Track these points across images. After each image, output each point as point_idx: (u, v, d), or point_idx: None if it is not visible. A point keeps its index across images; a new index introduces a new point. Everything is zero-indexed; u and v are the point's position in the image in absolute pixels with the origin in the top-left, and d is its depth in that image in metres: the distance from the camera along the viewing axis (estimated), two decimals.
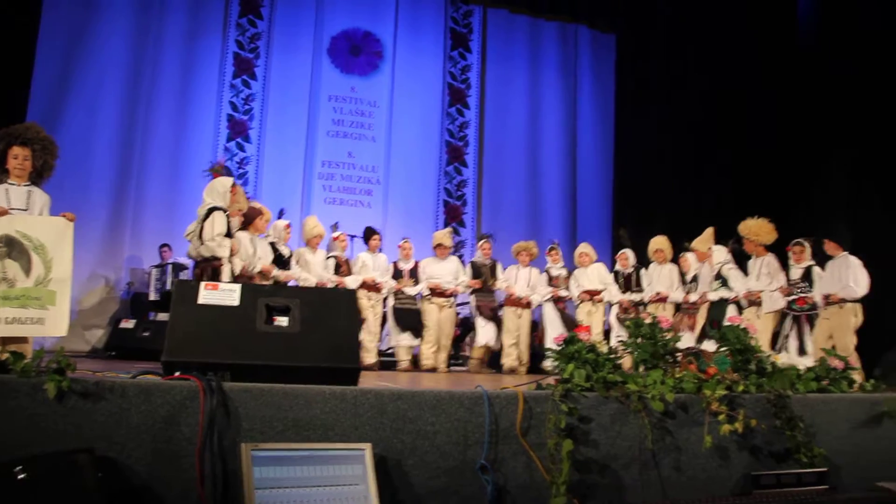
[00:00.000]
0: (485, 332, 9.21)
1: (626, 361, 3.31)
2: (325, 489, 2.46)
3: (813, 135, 11.10)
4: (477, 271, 9.35)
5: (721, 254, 8.54)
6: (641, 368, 3.20)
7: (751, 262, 8.35)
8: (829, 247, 7.72)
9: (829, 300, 7.52)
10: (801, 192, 11.17)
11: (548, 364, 8.99)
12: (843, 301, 7.40)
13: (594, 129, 13.33)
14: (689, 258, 9.11)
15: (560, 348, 3.13)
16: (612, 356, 3.10)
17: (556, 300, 9.32)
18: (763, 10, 12.25)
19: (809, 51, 11.59)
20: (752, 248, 8.29)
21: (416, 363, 9.15)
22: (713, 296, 8.43)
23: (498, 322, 9.31)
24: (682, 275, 9.22)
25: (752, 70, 12.20)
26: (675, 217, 12.02)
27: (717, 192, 12.44)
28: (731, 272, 8.42)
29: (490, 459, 2.79)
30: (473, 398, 2.83)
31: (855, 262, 7.48)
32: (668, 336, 3.27)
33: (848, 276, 7.41)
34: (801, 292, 7.83)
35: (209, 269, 6.36)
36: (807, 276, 7.86)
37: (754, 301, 8.20)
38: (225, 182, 6.60)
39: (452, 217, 12.43)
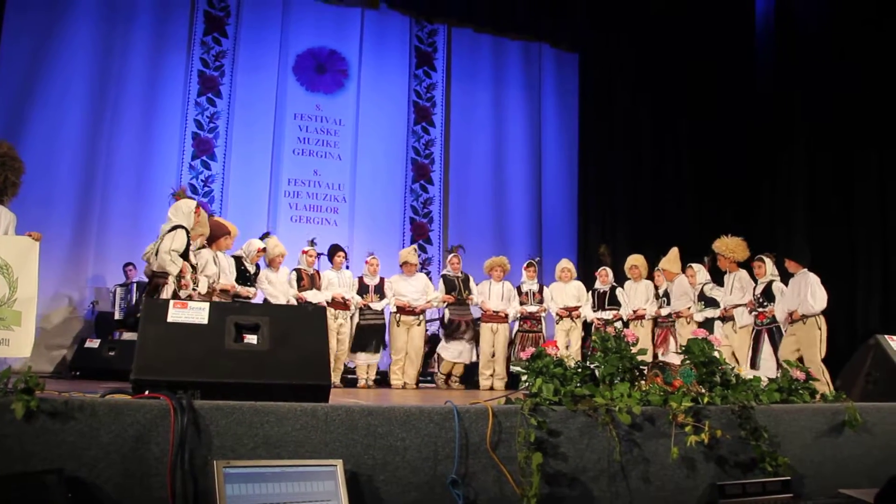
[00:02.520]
0: (452, 349, 9.23)
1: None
2: None
3: (775, 147, 11.29)
4: (450, 285, 9.38)
5: (703, 274, 8.77)
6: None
7: (725, 278, 8.55)
8: (790, 265, 7.88)
9: (791, 317, 7.67)
10: (763, 206, 11.36)
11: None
12: (804, 317, 7.56)
13: (558, 146, 13.45)
14: (661, 274, 9.27)
15: (528, 362, 3.17)
16: (580, 370, 3.14)
17: (525, 318, 9.37)
18: (723, 27, 12.48)
19: (768, 64, 11.81)
20: (725, 264, 8.50)
21: (383, 380, 9.16)
22: (698, 317, 8.61)
23: (474, 336, 9.35)
24: (657, 289, 9.36)
25: (713, 86, 12.41)
26: (639, 232, 12.21)
27: (681, 207, 12.64)
28: (715, 291, 8.63)
29: (460, 474, 2.81)
30: (443, 413, 2.85)
31: (813, 279, 7.62)
32: (635, 350, 3.32)
33: (806, 292, 7.54)
34: (759, 307, 8.00)
35: (153, 284, 6.37)
36: (766, 291, 8.03)
37: (729, 317, 8.36)
38: (190, 203, 6.67)
39: (419, 234, 12.46)
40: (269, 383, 2.95)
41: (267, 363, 3.00)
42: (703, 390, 3.26)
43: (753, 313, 8.11)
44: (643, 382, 3.26)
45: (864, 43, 9.94)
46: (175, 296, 6.30)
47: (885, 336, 4.23)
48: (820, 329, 7.51)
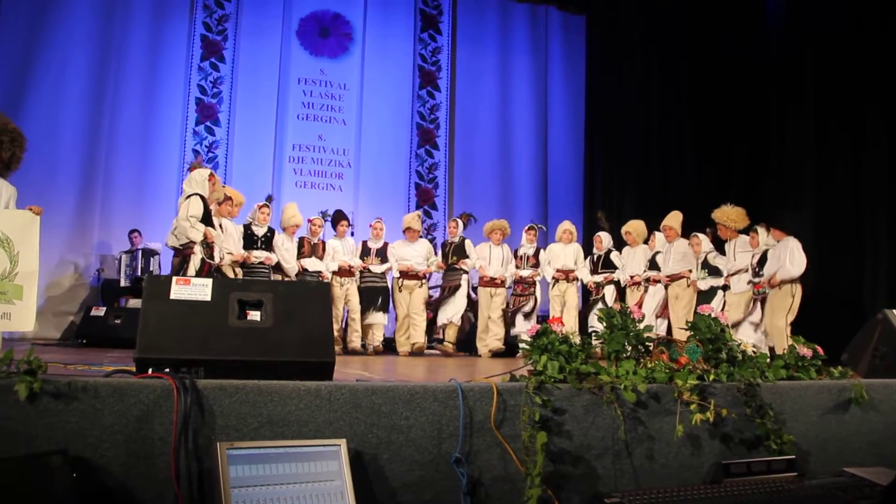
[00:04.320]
0: (444, 311, 9.24)
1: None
2: (301, 486, 2.46)
3: (783, 113, 11.16)
4: (443, 251, 9.41)
5: (706, 243, 8.87)
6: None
7: (726, 246, 8.67)
8: (775, 234, 8.06)
9: (770, 282, 7.86)
10: (767, 167, 11.25)
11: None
12: (783, 282, 7.73)
13: (565, 111, 13.36)
14: (657, 237, 9.39)
15: (532, 339, 3.15)
16: (585, 347, 3.12)
17: (517, 282, 9.39)
18: None
19: (777, 26, 11.62)
20: (726, 233, 8.62)
21: (389, 347, 9.18)
22: (702, 285, 8.68)
23: (468, 301, 9.33)
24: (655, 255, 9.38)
25: (721, 49, 12.25)
26: (645, 197, 12.16)
27: (687, 171, 12.56)
28: (718, 260, 8.73)
29: (464, 452, 2.80)
30: (447, 392, 2.84)
31: (794, 244, 7.77)
32: (640, 326, 3.30)
33: (786, 257, 7.69)
34: (755, 277, 8.18)
35: (181, 255, 6.42)
36: (762, 261, 8.17)
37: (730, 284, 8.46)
38: (203, 172, 6.73)
39: (424, 200, 12.42)
40: (273, 360, 2.94)
41: (270, 340, 2.98)
42: (709, 367, 3.24)
43: (750, 283, 8.25)
44: (648, 359, 3.24)
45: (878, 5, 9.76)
46: (203, 262, 6.36)
47: (894, 310, 4.19)
48: (793, 297, 7.71)
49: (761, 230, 8.32)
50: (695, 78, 12.66)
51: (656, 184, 12.48)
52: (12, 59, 10.02)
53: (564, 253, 9.57)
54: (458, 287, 9.30)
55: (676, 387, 3.06)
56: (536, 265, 9.46)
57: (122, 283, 9.90)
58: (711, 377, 3.18)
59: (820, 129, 10.28)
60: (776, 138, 11.10)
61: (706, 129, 12.43)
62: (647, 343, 3.32)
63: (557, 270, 9.41)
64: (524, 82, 13.25)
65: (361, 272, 9.01)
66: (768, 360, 3.52)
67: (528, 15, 13.42)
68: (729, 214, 8.53)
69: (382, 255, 9.12)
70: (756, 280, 8.16)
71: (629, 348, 3.26)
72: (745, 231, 8.54)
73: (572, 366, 3.01)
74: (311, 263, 8.62)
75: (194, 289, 3.04)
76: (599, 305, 9.03)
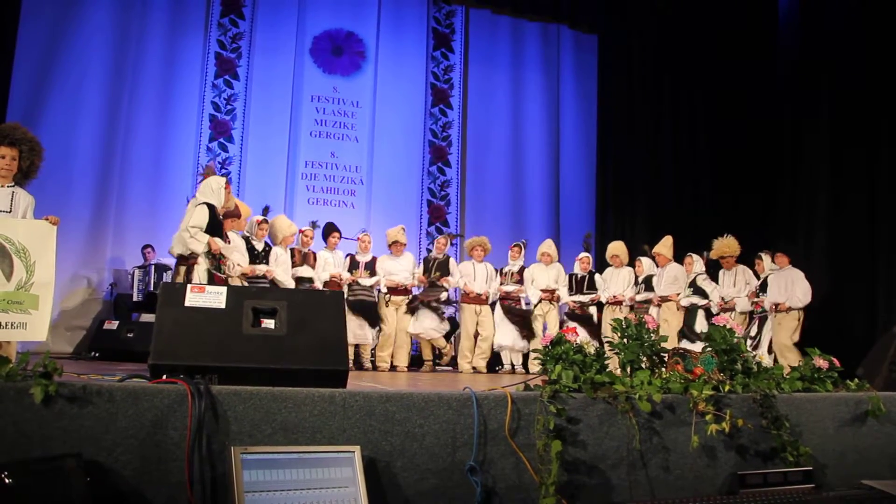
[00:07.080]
0: (417, 324, 9.19)
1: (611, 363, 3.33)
2: (314, 492, 2.45)
3: (794, 135, 11.13)
4: (425, 265, 9.41)
5: (699, 264, 9.29)
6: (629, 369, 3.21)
7: (723, 274, 9.20)
8: (779, 260, 8.62)
9: (777, 308, 8.39)
10: (780, 191, 11.21)
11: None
12: (791, 309, 8.32)
13: (577, 129, 13.36)
14: (643, 262, 9.63)
15: (546, 349, 3.14)
16: (600, 357, 3.11)
17: (504, 297, 9.41)
18: (745, 10, 12.31)
19: (790, 50, 11.61)
20: (731, 263, 9.17)
21: (372, 362, 9.16)
22: (685, 302, 9.14)
23: (441, 316, 9.26)
24: (637, 277, 9.68)
25: (734, 70, 12.25)
26: (657, 216, 12.12)
27: (700, 190, 12.54)
28: (706, 283, 9.18)
29: (479, 461, 2.79)
30: (462, 400, 2.83)
31: (799, 275, 8.41)
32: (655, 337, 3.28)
33: (794, 287, 8.31)
34: (757, 298, 8.78)
35: (184, 267, 6.29)
36: (764, 284, 8.74)
37: (727, 307, 8.93)
38: (220, 180, 6.60)
39: (436, 217, 12.43)
40: (287, 368, 2.95)
41: (284, 348, 2.99)
42: (725, 378, 3.23)
43: (752, 303, 8.80)
44: (663, 370, 3.23)
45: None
46: (210, 275, 6.24)
47: None
48: (798, 320, 8.31)
49: (765, 257, 8.86)
50: (708, 98, 12.65)
51: (668, 202, 12.46)
52: (29, 75, 10.10)
53: (547, 273, 9.64)
54: (432, 301, 9.23)
55: (692, 397, 3.05)
56: (520, 281, 9.55)
57: (135, 298, 9.92)
58: (727, 388, 3.17)
59: (835, 147, 10.25)
60: (791, 157, 11.06)
61: (719, 149, 12.40)
62: (661, 353, 3.31)
63: (543, 290, 9.46)
64: (536, 100, 13.27)
65: (350, 286, 9.00)
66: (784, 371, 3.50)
67: (541, 33, 13.45)
68: (726, 246, 9.08)
69: (371, 268, 9.14)
70: (755, 300, 8.72)
71: (644, 359, 3.25)
72: (742, 257, 9.07)
73: (587, 375, 3.00)
74: (303, 271, 8.62)
75: (209, 296, 3.05)
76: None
